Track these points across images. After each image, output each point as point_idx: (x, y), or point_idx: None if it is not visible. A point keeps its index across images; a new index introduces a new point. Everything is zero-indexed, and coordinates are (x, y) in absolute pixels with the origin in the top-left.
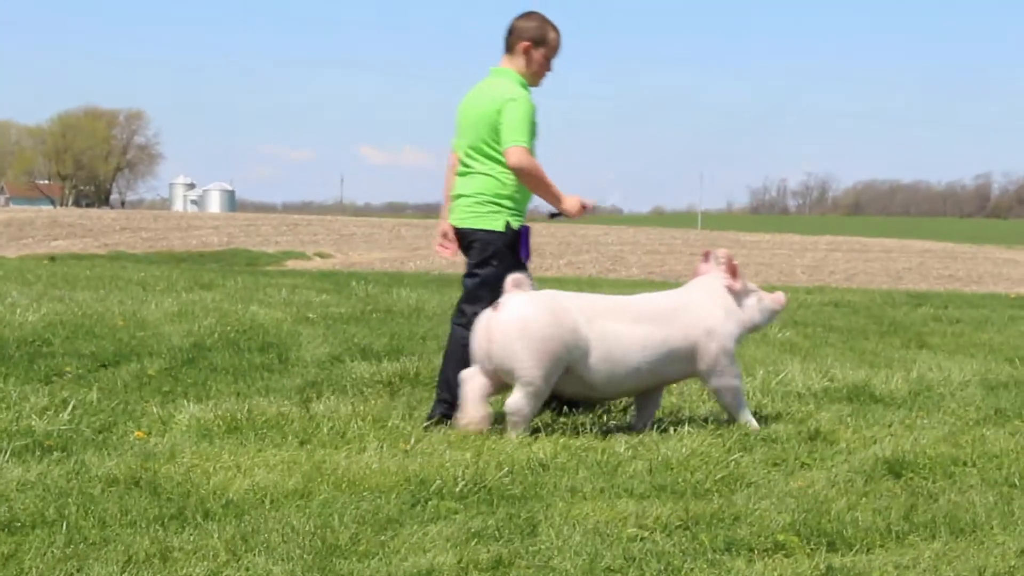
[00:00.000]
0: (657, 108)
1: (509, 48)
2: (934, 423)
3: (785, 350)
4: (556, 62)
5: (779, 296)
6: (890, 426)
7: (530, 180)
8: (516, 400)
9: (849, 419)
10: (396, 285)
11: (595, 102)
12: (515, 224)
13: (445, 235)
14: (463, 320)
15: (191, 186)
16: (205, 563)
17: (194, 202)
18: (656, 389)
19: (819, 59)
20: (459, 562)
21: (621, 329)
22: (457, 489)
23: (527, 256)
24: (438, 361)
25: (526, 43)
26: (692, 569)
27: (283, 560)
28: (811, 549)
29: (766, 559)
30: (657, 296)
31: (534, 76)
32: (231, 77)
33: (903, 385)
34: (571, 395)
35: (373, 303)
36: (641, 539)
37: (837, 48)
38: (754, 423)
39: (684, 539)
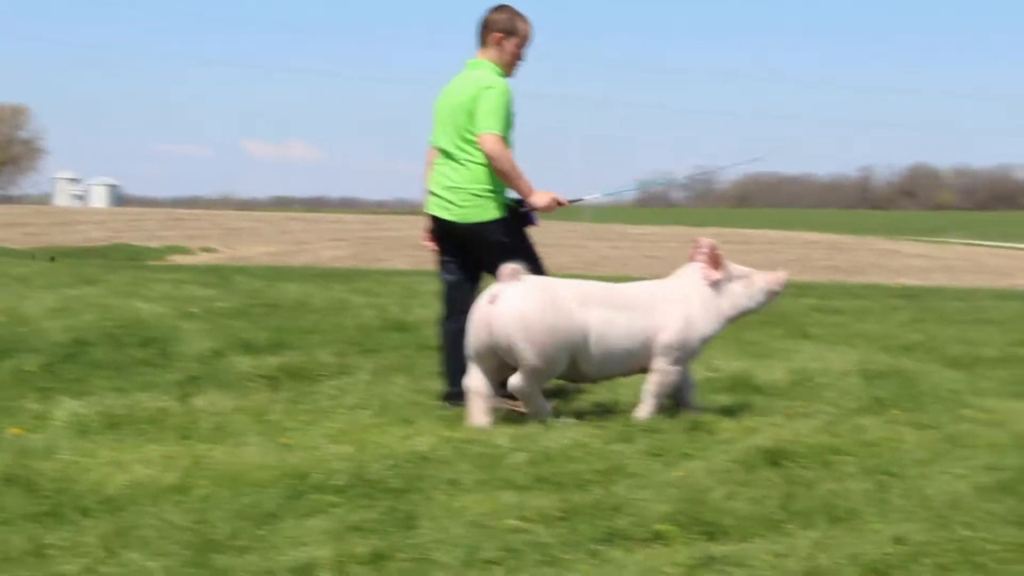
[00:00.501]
0: (543, 100)
1: (482, 41)
2: (813, 413)
3: None
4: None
5: (778, 276)
6: (770, 416)
7: (500, 169)
8: (518, 381)
9: (730, 409)
10: (281, 279)
11: None
12: (508, 202)
13: (432, 231)
14: None
15: (75, 181)
16: (81, 560)
17: (79, 197)
18: None
19: (704, 53)
20: (337, 556)
21: (609, 316)
22: (337, 483)
23: (536, 221)
24: (321, 355)
25: (498, 34)
26: (571, 560)
27: (160, 556)
28: (690, 539)
29: (645, 549)
30: (640, 285)
31: (508, 66)
32: (117, 73)
33: (784, 375)
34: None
35: (257, 297)
36: (521, 531)
37: (720, 42)
38: (646, 416)
39: (564, 530)
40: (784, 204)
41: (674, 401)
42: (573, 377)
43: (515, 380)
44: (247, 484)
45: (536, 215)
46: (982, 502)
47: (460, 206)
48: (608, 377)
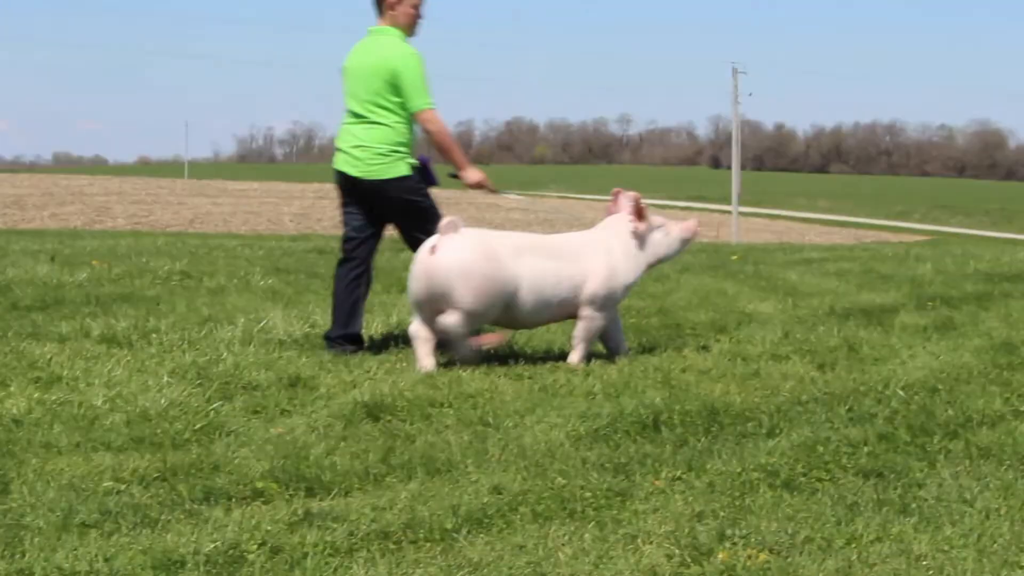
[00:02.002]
0: (143, 56)
1: (379, 10)
2: (412, 366)
3: (267, 297)
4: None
5: (689, 224)
6: (370, 371)
7: (441, 142)
8: (451, 320)
9: (329, 364)
10: None
11: (77, 50)
12: (413, 162)
13: (338, 184)
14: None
15: None
16: None
17: None
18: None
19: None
20: None
21: (541, 264)
22: None
23: (436, 182)
24: None
25: (390, 0)
26: (169, 520)
27: None
28: (290, 495)
29: (244, 507)
30: (569, 235)
31: (408, 28)
32: None
33: (382, 329)
34: (496, 324)
35: None
36: (117, 492)
37: None
38: (578, 361)
39: (162, 490)
40: None
41: (605, 347)
42: (508, 323)
43: (449, 319)
44: None
45: (437, 176)
46: (576, 450)
47: (367, 163)
48: (542, 323)
